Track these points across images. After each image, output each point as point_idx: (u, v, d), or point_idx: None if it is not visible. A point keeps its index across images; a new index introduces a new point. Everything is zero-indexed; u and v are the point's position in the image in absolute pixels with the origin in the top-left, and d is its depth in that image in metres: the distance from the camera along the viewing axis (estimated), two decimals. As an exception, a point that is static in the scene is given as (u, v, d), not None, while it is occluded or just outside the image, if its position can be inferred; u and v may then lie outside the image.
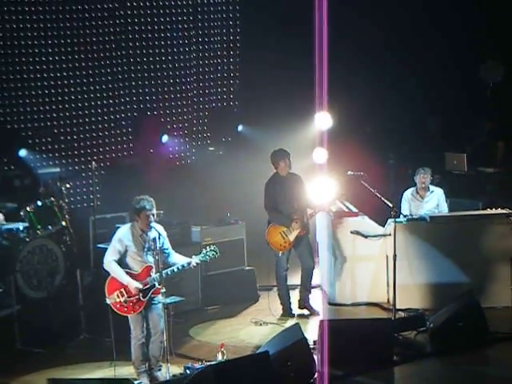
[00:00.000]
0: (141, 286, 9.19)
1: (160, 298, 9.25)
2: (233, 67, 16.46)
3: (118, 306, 9.22)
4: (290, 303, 11.69)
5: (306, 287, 11.71)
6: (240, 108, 16.45)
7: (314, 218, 12.12)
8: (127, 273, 9.22)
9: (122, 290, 9.18)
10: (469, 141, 16.48)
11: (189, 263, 9.42)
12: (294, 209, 11.43)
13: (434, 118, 17.00)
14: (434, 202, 12.40)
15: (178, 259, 9.47)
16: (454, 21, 16.02)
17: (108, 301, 9.25)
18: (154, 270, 9.27)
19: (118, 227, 9.71)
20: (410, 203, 12.43)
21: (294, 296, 11.83)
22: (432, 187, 12.49)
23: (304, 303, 11.69)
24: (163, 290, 9.19)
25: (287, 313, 11.62)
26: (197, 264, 9.49)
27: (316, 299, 12.00)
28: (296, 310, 11.69)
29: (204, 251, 9.55)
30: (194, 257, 9.49)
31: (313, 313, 11.61)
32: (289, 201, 11.46)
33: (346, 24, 15.76)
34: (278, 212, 11.47)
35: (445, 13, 16.09)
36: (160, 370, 9.49)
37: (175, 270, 9.39)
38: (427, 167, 12.50)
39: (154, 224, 9.34)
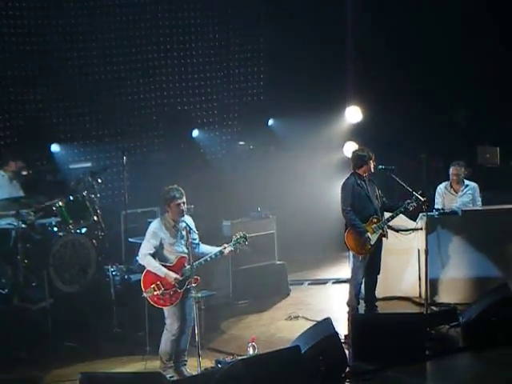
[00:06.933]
0: (180, 277, 9.19)
1: (192, 291, 9.27)
2: (262, 61, 16.44)
3: (155, 299, 9.22)
4: (357, 309, 11.06)
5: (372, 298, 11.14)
6: (270, 102, 16.41)
7: None
8: (162, 265, 9.24)
9: (159, 282, 9.18)
10: (502, 133, 16.31)
11: (221, 252, 9.42)
12: (376, 210, 10.91)
13: (464, 111, 16.84)
14: (468, 196, 12.28)
15: (206, 249, 9.48)
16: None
17: (145, 295, 9.25)
18: (187, 260, 9.28)
19: (150, 222, 9.73)
20: (443, 197, 12.34)
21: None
22: (467, 181, 12.37)
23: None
24: (194, 284, 9.21)
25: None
26: (229, 251, 9.46)
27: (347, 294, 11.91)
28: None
29: (234, 238, 9.53)
30: (225, 245, 9.49)
31: None
32: (371, 203, 10.89)
33: (376, 20, 15.69)
34: (359, 215, 10.82)
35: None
36: (185, 364, 9.50)
37: (208, 259, 9.39)
38: (461, 160, 12.38)
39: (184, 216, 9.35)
